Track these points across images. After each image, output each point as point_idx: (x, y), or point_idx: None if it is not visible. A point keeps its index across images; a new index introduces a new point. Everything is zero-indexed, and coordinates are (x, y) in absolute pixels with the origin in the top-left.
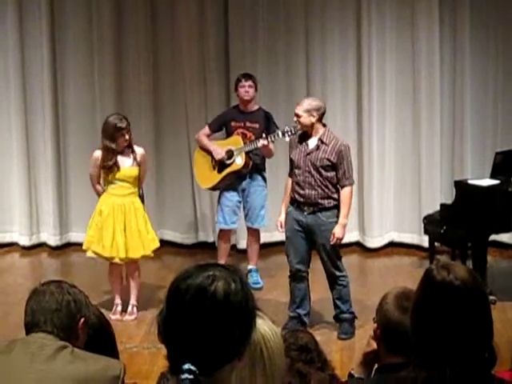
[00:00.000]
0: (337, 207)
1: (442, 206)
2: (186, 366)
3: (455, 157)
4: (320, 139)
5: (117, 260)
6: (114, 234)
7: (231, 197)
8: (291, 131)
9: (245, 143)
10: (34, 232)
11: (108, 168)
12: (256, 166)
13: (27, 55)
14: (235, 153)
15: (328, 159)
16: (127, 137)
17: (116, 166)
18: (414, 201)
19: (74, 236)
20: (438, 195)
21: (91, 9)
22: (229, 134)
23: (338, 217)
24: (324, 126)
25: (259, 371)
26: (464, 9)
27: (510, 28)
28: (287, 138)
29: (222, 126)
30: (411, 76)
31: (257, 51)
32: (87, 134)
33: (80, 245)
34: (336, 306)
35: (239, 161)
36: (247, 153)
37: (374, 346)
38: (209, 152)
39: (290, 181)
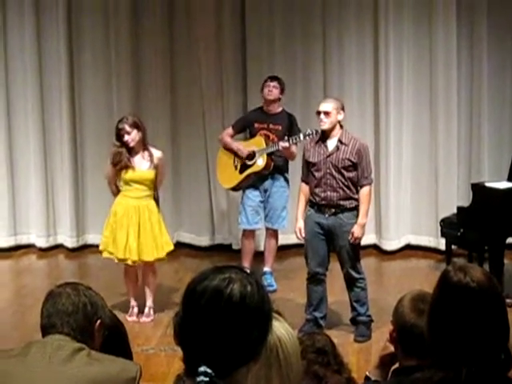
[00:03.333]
0: (357, 208)
1: (459, 208)
2: (202, 369)
3: (472, 159)
4: (339, 140)
5: (129, 262)
6: (128, 236)
7: (254, 197)
8: (313, 133)
9: (267, 144)
10: (51, 234)
11: (120, 168)
12: (278, 168)
13: (44, 56)
14: (257, 154)
15: (349, 159)
16: (126, 137)
17: (129, 166)
18: (431, 203)
19: (91, 238)
20: (454, 198)
21: (108, 11)
22: (252, 135)
23: (357, 217)
24: (341, 127)
25: (275, 373)
26: (482, 13)
27: None
28: (309, 141)
29: (245, 127)
30: (428, 79)
31: (274, 56)
32: (104, 136)
33: (97, 246)
34: (353, 309)
35: (260, 162)
36: (269, 154)
37: (391, 348)
38: (232, 152)
39: (304, 186)
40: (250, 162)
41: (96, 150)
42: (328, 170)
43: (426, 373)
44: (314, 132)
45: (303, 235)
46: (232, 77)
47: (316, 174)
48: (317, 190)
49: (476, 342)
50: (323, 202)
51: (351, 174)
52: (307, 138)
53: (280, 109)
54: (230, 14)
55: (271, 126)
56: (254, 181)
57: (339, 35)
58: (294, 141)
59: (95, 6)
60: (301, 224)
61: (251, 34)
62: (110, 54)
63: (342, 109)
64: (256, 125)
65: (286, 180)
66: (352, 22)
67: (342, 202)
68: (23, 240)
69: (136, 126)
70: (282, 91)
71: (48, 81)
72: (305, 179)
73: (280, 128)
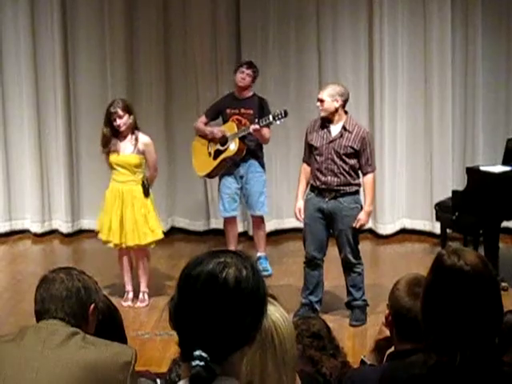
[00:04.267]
0: (358, 192)
1: (454, 192)
2: (197, 353)
3: (467, 143)
4: (344, 127)
5: (111, 245)
6: (111, 219)
7: (230, 184)
8: (281, 114)
9: (239, 129)
10: (46, 219)
11: (107, 151)
12: (252, 152)
13: (39, 44)
14: (229, 138)
15: (352, 147)
16: (118, 121)
17: (113, 150)
18: (426, 187)
19: (86, 223)
20: (449, 182)
21: None
22: (225, 121)
23: (357, 202)
24: (346, 113)
25: (270, 357)
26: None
27: None
28: (278, 122)
29: (218, 114)
30: (423, 64)
31: (268, 42)
32: (99, 122)
33: (92, 232)
34: (349, 293)
35: (233, 146)
36: (241, 138)
37: (387, 333)
38: (206, 138)
39: (305, 166)
40: (222, 148)
41: (91, 136)
42: (330, 156)
43: (420, 357)
44: (283, 112)
45: (302, 216)
46: (226, 62)
47: (318, 158)
48: (318, 174)
49: (470, 325)
50: (323, 187)
51: (352, 161)
52: (276, 119)
53: (251, 93)
54: (225, 0)
55: (243, 110)
56: (229, 167)
57: (333, 22)
58: (264, 122)
59: None
60: (300, 204)
61: (246, 19)
62: (105, 41)
63: (341, 95)
64: (228, 110)
65: (262, 164)
66: (346, 8)
67: (342, 188)
68: (18, 225)
69: (128, 110)
70: (253, 79)
71: (42, 69)
72: (307, 160)
73: (251, 112)
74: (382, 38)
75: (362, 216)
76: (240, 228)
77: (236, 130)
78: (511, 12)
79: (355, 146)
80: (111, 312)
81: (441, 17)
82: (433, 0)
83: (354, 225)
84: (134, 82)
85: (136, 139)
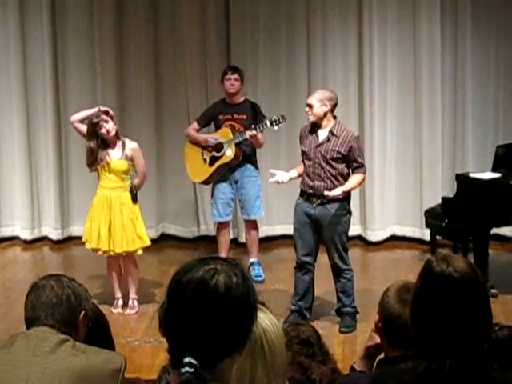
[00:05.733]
0: (345, 199)
1: (444, 199)
2: (187, 360)
3: (457, 150)
4: (331, 131)
5: (100, 252)
6: (100, 227)
7: (224, 189)
8: (278, 120)
9: (234, 135)
10: (36, 226)
11: (92, 165)
12: (247, 157)
13: (28, 43)
14: (225, 145)
15: (338, 151)
16: (107, 126)
17: (101, 160)
18: (416, 194)
19: (76, 230)
20: (439, 188)
21: None
22: (218, 128)
23: (346, 209)
24: (334, 118)
25: (260, 364)
26: None
27: None
28: (275, 128)
29: (210, 120)
30: (412, 69)
31: (258, 47)
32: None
33: (81, 238)
34: (339, 300)
35: (229, 153)
36: (237, 144)
37: (377, 339)
38: (199, 145)
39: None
40: (218, 154)
41: (80, 142)
42: (317, 160)
43: (409, 363)
44: (280, 118)
45: (274, 179)
46: (216, 69)
47: (306, 163)
48: (306, 179)
49: (459, 332)
50: (311, 191)
51: (340, 166)
52: (273, 124)
53: (242, 98)
54: (215, 3)
55: (236, 116)
56: (225, 172)
57: (323, 29)
58: (261, 128)
59: None
60: (290, 174)
61: (235, 23)
62: (94, 49)
63: (330, 100)
64: (220, 117)
65: (256, 168)
66: (336, 10)
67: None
68: (8, 232)
69: (110, 115)
70: (242, 82)
71: (32, 76)
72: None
73: (245, 117)
74: (372, 44)
75: (334, 190)
76: (231, 235)
77: (231, 135)
78: (501, 18)
79: (342, 151)
80: (99, 319)
81: (430, 23)
82: (422, 6)
83: (326, 194)
84: (123, 89)
85: (123, 145)
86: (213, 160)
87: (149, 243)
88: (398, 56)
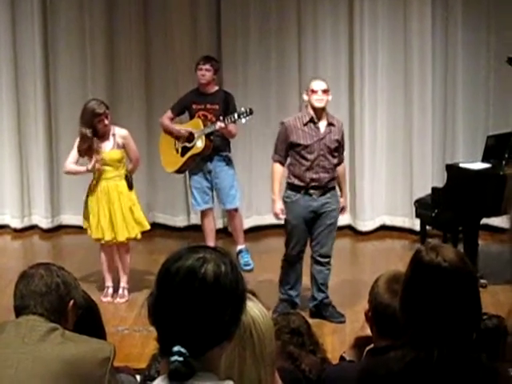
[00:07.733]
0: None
1: (434, 189)
2: (176, 348)
3: (447, 140)
4: (330, 122)
5: (102, 242)
6: (99, 217)
7: (199, 178)
8: (246, 113)
9: (205, 125)
10: (26, 214)
11: (85, 153)
12: (218, 148)
13: (18, 34)
14: (196, 136)
15: (337, 140)
16: (106, 122)
17: (93, 150)
18: (406, 184)
19: (66, 218)
20: (429, 179)
21: None
22: (191, 117)
23: (337, 196)
24: None
25: (249, 353)
26: None
27: (503, 12)
28: (243, 120)
29: (184, 109)
30: (403, 63)
31: (249, 32)
32: (79, 117)
33: (71, 227)
34: (321, 291)
35: (200, 144)
36: (208, 135)
37: (368, 331)
38: (172, 135)
39: (278, 166)
40: (189, 145)
41: (70, 131)
42: (321, 152)
43: (398, 352)
44: (248, 110)
45: (283, 216)
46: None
47: (308, 156)
48: (308, 173)
49: (448, 322)
50: (314, 184)
51: (336, 154)
52: (241, 117)
53: (216, 88)
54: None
55: (208, 105)
56: (198, 163)
57: (314, 18)
58: (229, 120)
59: None
60: (280, 205)
61: (226, 19)
62: (85, 39)
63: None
64: (194, 106)
65: (229, 159)
66: (327, 3)
67: (330, 182)
68: None
69: (108, 109)
70: (215, 72)
71: (22, 67)
72: (281, 160)
73: (217, 107)
74: (363, 36)
75: (345, 203)
76: (219, 224)
77: (202, 126)
78: (491, 11)
79: (339, 139)
80: (91, 307)
81: (421, 15)
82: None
83: (340, 214)
84: (114, 81)
85: (113, 134)
86: (184, 150)
87: (148, 227)
88: (389, 48)
